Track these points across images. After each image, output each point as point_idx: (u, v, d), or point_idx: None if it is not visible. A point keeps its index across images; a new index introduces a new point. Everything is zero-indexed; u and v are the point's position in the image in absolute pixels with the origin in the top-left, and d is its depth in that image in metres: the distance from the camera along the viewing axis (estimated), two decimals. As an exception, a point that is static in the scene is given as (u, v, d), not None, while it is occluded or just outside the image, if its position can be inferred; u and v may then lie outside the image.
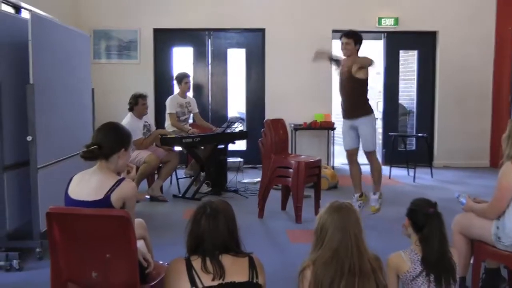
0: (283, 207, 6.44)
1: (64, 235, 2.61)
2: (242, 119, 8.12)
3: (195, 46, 9.88)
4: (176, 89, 8.55)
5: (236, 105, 10.79)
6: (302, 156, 6.54)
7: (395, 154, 9.47)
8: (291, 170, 5.94)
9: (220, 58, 9.90)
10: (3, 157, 4.46)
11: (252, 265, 2.42)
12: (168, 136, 6.97)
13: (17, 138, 4.66)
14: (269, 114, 9.73)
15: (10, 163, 4.59)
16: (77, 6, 9.32)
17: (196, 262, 2.36)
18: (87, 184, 2.79)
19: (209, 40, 9.82)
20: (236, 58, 10.14)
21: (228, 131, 7.36)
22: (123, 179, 2.82)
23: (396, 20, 9.81)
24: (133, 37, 9.44)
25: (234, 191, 7.38)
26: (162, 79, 9.70)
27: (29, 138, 4.46)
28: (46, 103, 4.77)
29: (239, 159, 9.13)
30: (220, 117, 9.60)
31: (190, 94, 8.21)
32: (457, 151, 10.01)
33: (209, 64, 9.84)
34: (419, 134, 9.56)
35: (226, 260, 2.37)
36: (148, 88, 9.14)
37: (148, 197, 6.89)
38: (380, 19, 9.80)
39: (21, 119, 4.64)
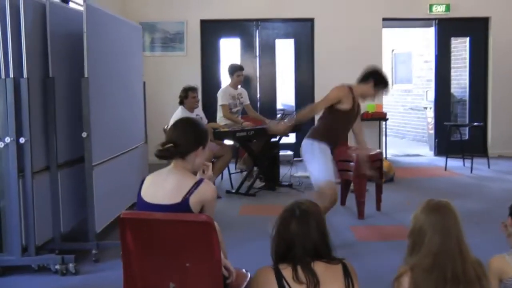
0: (343, 202, 6.15)
1: (138, 242, 2.38)
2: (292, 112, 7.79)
3: (242, 37, 9.64)
4: (225, 81, 8.37)
5: (285, 96, 10.53)
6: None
7: (449, 144, 9.06)
8: (351, 163, 5.66)
9: (268, 49, 9.63)
10: (58, 155, 4.31)
11: (347, 273, 2.17)
12: (221, 129, 6.75)
13: (71, 134, 4.52)
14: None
15: (64, 161, 4.44)
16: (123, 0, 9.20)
17: (286, 271, 2.12)
18: (162, 186, 2.56)
19: (257, 30, 9.57)
20: (285, 49, 9.86)
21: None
22: (201, 180, 2.57)
23: (448, 7, 9.36)
24: (180, 29, 9.25)
25: (288, 186, 7.13)
26: (209, 72, 9.51)
27: (84, 135, 4.29)
28: (100, 97, 4.60)
29: (289, 152, 8.86)
30: (269, 109, 9.35)
31: (238, 85, 8.00)
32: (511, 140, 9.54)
33: (257, 55, 9.59)
34: (475, 123, 9.12)
35: (319, 267, 2.13)
36: (195, 81, 8.85)
37: (200, 193, 6.68)
38: (431, 5, 9.37)
39: (74, 114, 4.49)
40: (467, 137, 9.60)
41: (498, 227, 2.77)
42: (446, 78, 9.82)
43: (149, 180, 2.64)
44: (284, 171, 7.54)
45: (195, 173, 2.68)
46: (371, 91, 4.77)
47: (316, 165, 4.64)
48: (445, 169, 8.34)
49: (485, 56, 9.65)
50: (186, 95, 6.69)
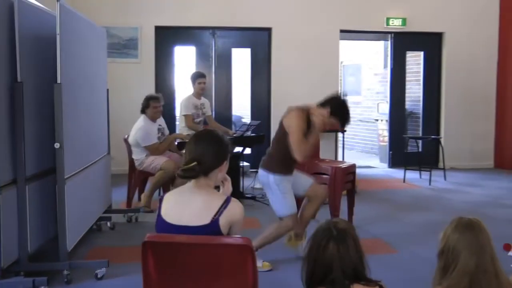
0: (313, 215, 6.02)
1: (161, 269, 2.13)
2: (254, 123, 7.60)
3: (198, 45, 9.41)
4: (179, 89, 8.07)
5: (240, 106, 10.35)
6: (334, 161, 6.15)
7: (402, 156, 9.25)
8: (325, 176, 5.55)
9: (224, 58, 9.44)
10: (26, 167, 3.93)
11: None
12: (187, 140, 6.47)
13: (39, 144, 4.15)
14: (275, 116, 9.36)
15: (32, 174, 4.06)
16: (73, 1, 8.74)
17: None
18: (187, 206, 2.33)
19: (213, 39, 9.35)
20: (241, 58, 9.70)
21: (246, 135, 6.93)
22: (229, 198, 2.36)
23: (404, 21, 9.52)
24: (134, 35, 8.91)
25: (252, 198, 6.95)
26: (164, 80, 9.20)
27: (57, 145, 3.94)
28: (72, 104, 4.27)
29: (245, 163, 8.68)
30: (225, 119, 9.13)
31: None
32: (462, 152, 9.82)
33: (213, 64, 9.36)
34: (432, 136, 9.30)
35: None
36: (149, 89, 8.63)
37: (163, 206, 6.39)
38: (388, 19, 9.48)
39: (44, 122, 4.14)
40: (420, 150, 9.76)
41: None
42: (401, 91, 9.96)
43: (170, 199, 2.40)
44: (244, 183, 7.36)
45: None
46: (325, 119, 4.29)
47: (275, 200, 4.38)
48: (404, 181, 8.41)
49: (438, 71, 9.87)
50: (148, 104, 6.39)
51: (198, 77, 7.12)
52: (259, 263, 4.16)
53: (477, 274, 2.15)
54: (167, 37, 9.19)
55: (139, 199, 6.50)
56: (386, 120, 10.50)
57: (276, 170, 4.36)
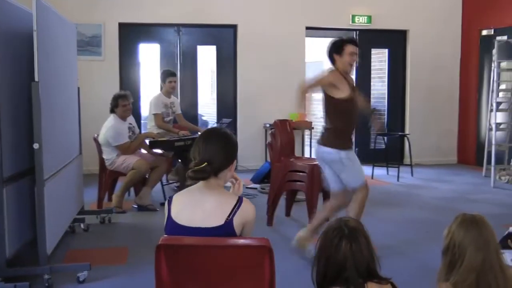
0: (287, 213, 6.04)
1: (175, 272, 2.05)
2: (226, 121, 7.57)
3: (162, 42, 9.26)
4: (144, 88, 7.89)
5: (206, 104, 10.27)
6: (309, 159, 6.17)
7: (368, 153, 9.40)
8: (302, 174, 5.55)
9: (190, 56, 9.32)
10: (2, 168, 3.77)
11: None
12: (159, 139, 6.38)
13: (15, 145, 3.98)
14: (241, 114, 9.34)
15: (9, 175, 3.90)
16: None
17: None
18: (199, 207, 2.26)
19: (178, 36, 9.23)
20: (207, 56, 9.61)
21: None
22: (242, 198, 2.31)
23: (369, 18, 9.62)
24: (97, 32, 8.70)
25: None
26: (128, 78, 9.01)
27: (36, 146, 3.80)
28: (49, 103, 4.12)
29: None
30: (190, 117, 9.02)
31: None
32: (427, 149, 9.99)
33: (178, 61, 9.24)
34: (400, 133, 9.47)
35: None
36: (113, 87, 8.44)
37: (135, 206, 6.27)
38: (353, 16, 9.57)
39: (19, 122, 3.98)
40: (384, 146, 9.90)
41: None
42: (366, 88, 10.06)
43: (180, 200, 2.33)
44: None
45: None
46: (344, 61, 4.42)
47: (349, 173, 4.45)
48: (372, 177, 8.51)
49: (403, 68, 10.02)
50: (116, 103, 6.25)
51: (168, 76, 7.03)
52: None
53: (483, 270, 2.18)
54: (131, 34, 9.01)
55: (109, 199, 6.37)
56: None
57: (345, 146, 4.45)
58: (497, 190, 7.67)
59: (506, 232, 3.58)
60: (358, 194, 4.50)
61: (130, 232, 5.52)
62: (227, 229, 2.19)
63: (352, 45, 4.47)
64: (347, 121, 4.50)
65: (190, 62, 9.32)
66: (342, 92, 4.37)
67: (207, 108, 10.49)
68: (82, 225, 5.38)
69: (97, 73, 8.65)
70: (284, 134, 5.81)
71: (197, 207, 2.26)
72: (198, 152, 2.32)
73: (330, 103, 4.44)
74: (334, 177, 4.54)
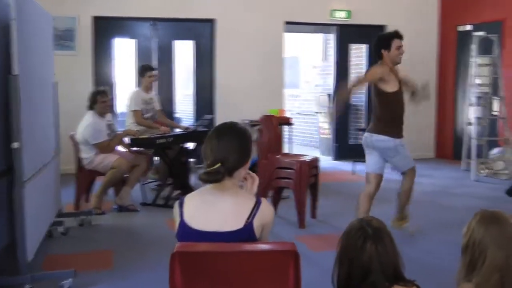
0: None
1: (190, 281, 1.85)
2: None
3: (138, 37, 8.97)
4: (120, 83, 7.59)
5: (183, 101, 10.02)
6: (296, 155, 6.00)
7: (347, 149, 9.38)
8: (289, 170, 5.39)
9: (166, 51, 9.05)
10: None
11: None
12: (140, 137, 6.12)
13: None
14: (219, 111, 9.12)
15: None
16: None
17: None
18: (214, 210, 2.08)
19: (154, 30, 8.95)
20: (184, 51, 9.36)
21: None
22: (260, 199, 2.13)
23: (349, 13, 9.51)
24: (70, 25, 8.36)
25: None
26: (102, 74, 8.70)
27: (15, 145, 3.52)
28: (27, 99, 3.83)
29: (191, 159, 8.38)
30: (167, 114, 8.77)
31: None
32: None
33: (154, 57, 8.96)
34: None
35: None
36: (87, 83, 8.20)
37: (115, 207, 6.02)
38: (333, 11, 9.44)
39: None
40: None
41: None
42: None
43: (192, 203, 2.14)
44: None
45: None
46: (393, 55, 4.72)
47: (401, 159, 4.88)
48: (353, 173, 8.40)
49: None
50: (95, 99, 5.98)
51: (147, 70, 6.77)
52: None
53: (508, 268, 2.05)
54: (106, 28, 8.70)
55: (86, 200, 6.10)
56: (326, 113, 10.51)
57: (399, 134, 4.84)
58: (478, 184, 7.68)
59: None
60: (411, 174, 5.01)
61: (112, 235, 5.26)
62: (247, 232, 2.02)
63: (398, 39, 4.76)
64: (398, 111, 4.84)
65: (166, 58, 9.05)
66: (391, 86, 4.70)
67: (184, 105, 10.25)
68: (60, 229, 5.10)
69: (70, 68, 8.30)
70: (270, 130, 5.64)
71: (212, 209, 2.08)
72: (211, 150, 2.13)
73: (381, 96, 4.76)
74: (378, 163, 4.86)
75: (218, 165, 2.07)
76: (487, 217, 2.15)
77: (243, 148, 2.17)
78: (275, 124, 5.81)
